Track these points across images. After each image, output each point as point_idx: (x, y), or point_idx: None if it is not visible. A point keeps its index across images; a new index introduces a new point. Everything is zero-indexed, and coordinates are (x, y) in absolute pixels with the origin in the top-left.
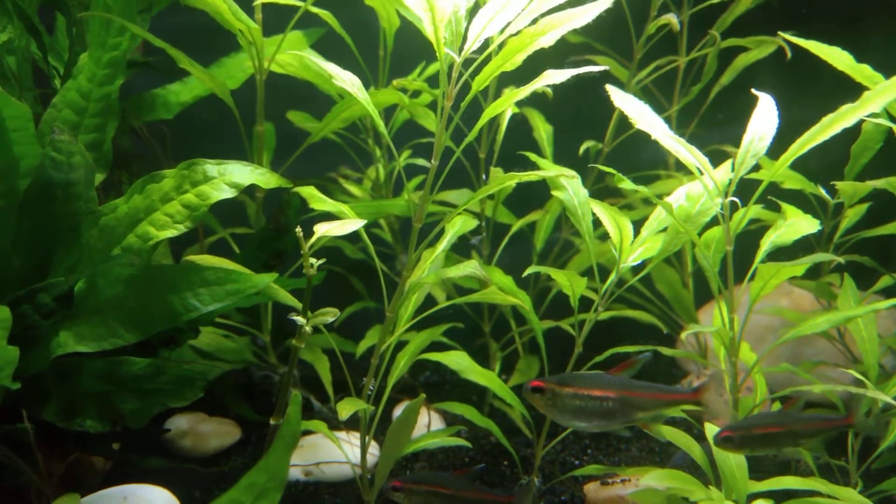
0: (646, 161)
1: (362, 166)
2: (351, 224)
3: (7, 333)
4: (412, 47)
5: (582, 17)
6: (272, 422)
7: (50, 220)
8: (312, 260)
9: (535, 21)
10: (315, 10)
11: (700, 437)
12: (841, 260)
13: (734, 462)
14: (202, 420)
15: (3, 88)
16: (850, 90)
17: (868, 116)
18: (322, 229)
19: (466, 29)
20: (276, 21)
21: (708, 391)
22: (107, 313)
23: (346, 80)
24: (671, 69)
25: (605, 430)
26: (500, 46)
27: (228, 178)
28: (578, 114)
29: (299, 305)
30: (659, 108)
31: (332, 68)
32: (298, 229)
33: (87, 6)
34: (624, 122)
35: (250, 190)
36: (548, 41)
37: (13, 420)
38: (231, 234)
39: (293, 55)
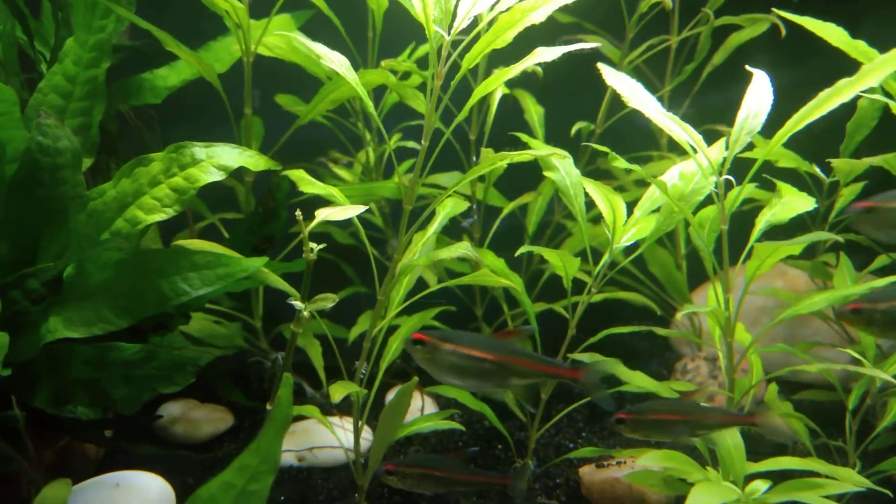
0: (637, 143)
1: (352, 150)
2: (351, 209)
3: None
4: (401, 30)
5: None
6: (269, 407)
7: (37, 205)
8: (312, 245)
9: None
10: None
11: None
12: (840, 239)
13: (731, 443)
14: (194, 406)
15: None
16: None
17: (865, 91)
18: (323, 214)
19: (456, 6)
20: (263, 3)
21: (588, 372)
22: (96, 298)
23: (334, 60)
24: (663, 49)
25: (479, 391)
26: (490, 24)
27: (217, 160)
28: (570, 96)
29: (290, 290)
30: (651, 88)
31: (320, 49)
32: (299, 213)
33: None
34: (615, 102)
35: (239, 174)
36: (539, 17)
37: (4, 407)
38: (221, 220)
39: (281, 37)
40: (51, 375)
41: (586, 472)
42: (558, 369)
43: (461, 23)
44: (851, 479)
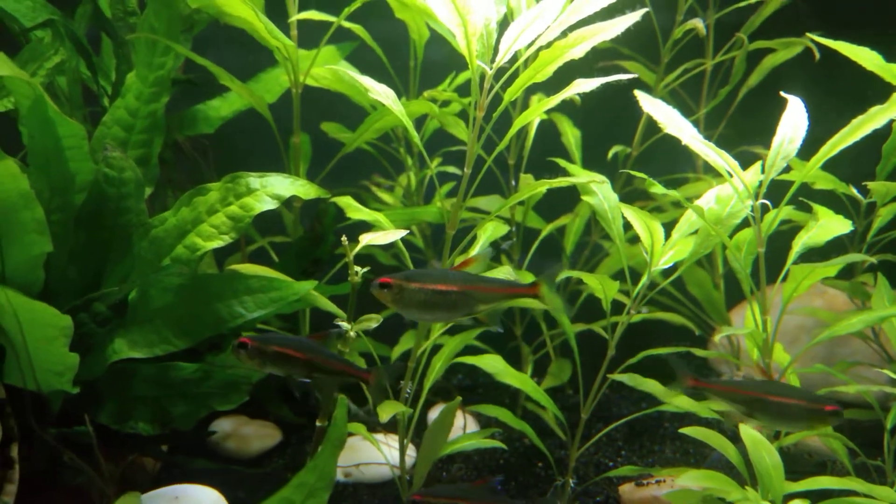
0: (673, 164)
1: (393, 174)
2: (393, 234)
3: (69, 341)
4: (440, 56)
5: (612, 29)
6: (318, 424)
7: (103, 232)
8: (357, 268)
9: (564, 33)
10: (347, 24)
11: (734, 438)
12: (874, 260)
13: (770, 462)
14: (244, 423)
15: (56, 107)
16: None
17: None
18: (366, 239)
19: (497, 41)
20: (309, 33)
21: (544, 284)
22: (158, 321)
23: (381, 92)
24: (699, 72)
25: (446, 320)
26: (530, 57)
27: (270, 189)
28: (607, 116)
29: (338, 311)
30: (687, 111)
31: (367, 81)
32: (344, 238)
33: (133, 28)
34: (651, 124)
35: (288, 199)
36: (578, 52)
37: (70, 423)
38: (269, 243)
39: (327, 69)
40: (115, 393)
41: (626, 490)
42: (519, 289)
43: (503, 57)
44: (890, 499)
